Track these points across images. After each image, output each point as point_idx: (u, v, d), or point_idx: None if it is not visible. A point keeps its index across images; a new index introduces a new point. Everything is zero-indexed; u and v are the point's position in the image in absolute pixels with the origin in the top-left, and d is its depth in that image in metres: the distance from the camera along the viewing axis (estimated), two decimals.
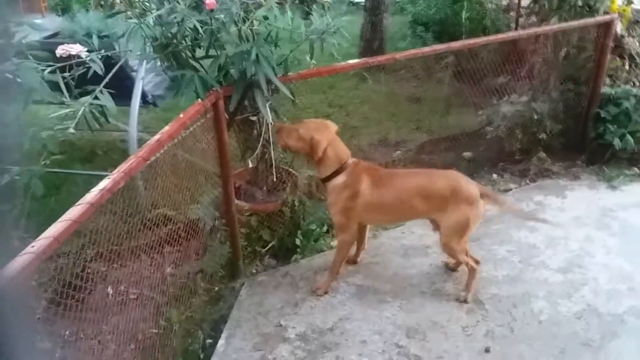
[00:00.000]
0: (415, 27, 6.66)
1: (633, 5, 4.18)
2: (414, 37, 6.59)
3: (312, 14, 3.90)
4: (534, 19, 4.47)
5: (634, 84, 4.25)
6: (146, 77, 3.73)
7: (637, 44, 4.44)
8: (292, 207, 3.14)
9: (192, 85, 2.47)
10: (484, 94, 4.32)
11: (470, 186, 2.77)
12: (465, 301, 2.83)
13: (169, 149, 2.32)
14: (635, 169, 4.00)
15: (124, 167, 1.79)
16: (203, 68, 2.66)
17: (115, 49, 2.80)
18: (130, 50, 2.50)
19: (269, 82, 2.59)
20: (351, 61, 3.11)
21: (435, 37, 6.31)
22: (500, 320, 2.72)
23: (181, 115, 2.29)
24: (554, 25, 3.86)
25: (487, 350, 2.56)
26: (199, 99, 2.46)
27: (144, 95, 3.76)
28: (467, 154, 4.36)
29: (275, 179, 3.07)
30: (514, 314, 2.76)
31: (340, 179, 2.75)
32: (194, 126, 2.51)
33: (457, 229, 2.73)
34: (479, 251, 3.22)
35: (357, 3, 7.24)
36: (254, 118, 2.83)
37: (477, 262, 2.88)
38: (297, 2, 4.14)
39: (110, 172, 1.82)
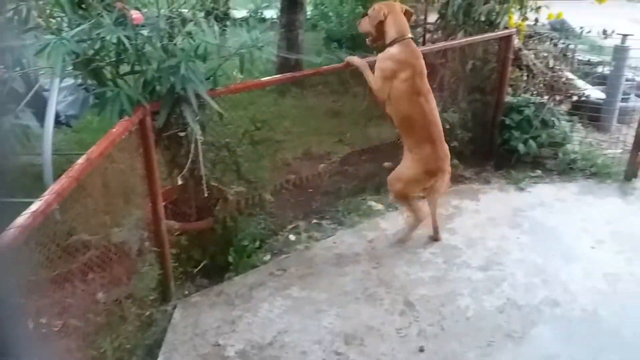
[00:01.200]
0: (329, 43, 6.85)
1: (527, 22, 4.62)
2: (329, 53, 6.76)
3: (226, 30, 3.93)
4: (440, 34, 4.77)
5: (532, 93, 4.67)
6: (58, 96, 3.53)
7: (532, 56, 4.90)
8: (224, 223, 3.11)
9: (118, 102, 2.39)
10: None
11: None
12: (402, 242, 3.43)
13: (94, 168, 2.22)
14: (538, 171, 4.38)
15: (55, 187, 1.70)
16: (128, 84, 2.58)
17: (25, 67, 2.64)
18: (47, 67, 2.37)
19: (197, 96, 2.56)
20: (277, 75, 3.15)
21: (348, 53, 6.51)
22: (431, 319, 2.86)
23: (112, 131, 2.21)
24: (460, 40, 4.15)
25: (421, 350, 2.67)
26: (126, 116, 2.38)
27: (56, 115, 3.55)
28: (387, 164, 4.52)
29: (205, 196, 3.02)
30: (443, 313, 2.90)
31: (393, 49, 3.09)
32: (120, 144, 2.42)
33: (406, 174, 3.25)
34: (405, 254, 3.38)
35: (272, 19, 7.32)
36: (183, 134, 2.78)
37: (421, 218, 3.41)
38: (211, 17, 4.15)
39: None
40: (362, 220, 3.76)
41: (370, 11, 3.18)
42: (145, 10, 2.43)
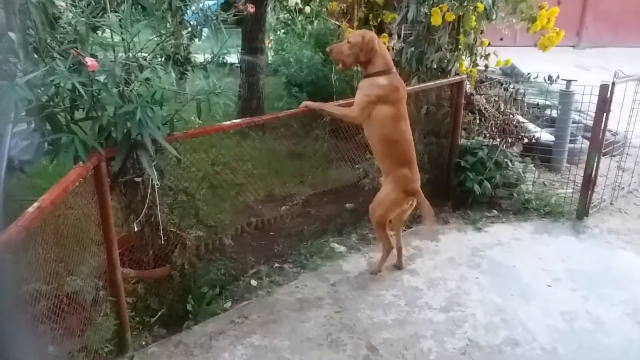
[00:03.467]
0: (290, 87, 6.95)
1: (477, 67, 4.83)
2: (290, 97, 6.87)
3: (187, 74, 3.96)
4: None
5: (485, 135, 4.84)
6: (11, 141, 3.43)
7: (484, 100, 5.11)
8: (182, 270, 3.03)
9: (72, 148, 2.34)
10: (359, 149, 4.62)
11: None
12: (377, 272, 3.57)
13: (47, 216, 2.14)
14: (494, 211, 4.49)
15: (3, 237, 1.63)
16: (83, 130, 2.53)
17: None
18: None
19: (154, 142, 2.54)
20: (236, 120, 3.17)
21: (309, 97, 6.63)
22: None
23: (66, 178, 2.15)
24: (415, 86, 4.29)
25: None
26: (81, 162, 2.33)
27: (10, 161, 3.45)
28: (349, 205, 4.58)
29: (162, 242, 2.95)
30: (406, 356, 2.88)
31: (382, 79, 3.24)
32: (74, 191, 2.36)
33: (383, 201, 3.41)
34: (368, 297, 3.36)
35: (233, 64, 7.42)
36: (139, 179, 2.73)
37: (391, 248, 3.57)
38: (171, 62, 4.16)
39: None
40: (324, 262, 3.75)
41: (353, 38, 3.26)
42: (101, 57, 2.41)
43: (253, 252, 3.81)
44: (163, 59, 3.90)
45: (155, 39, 3.78)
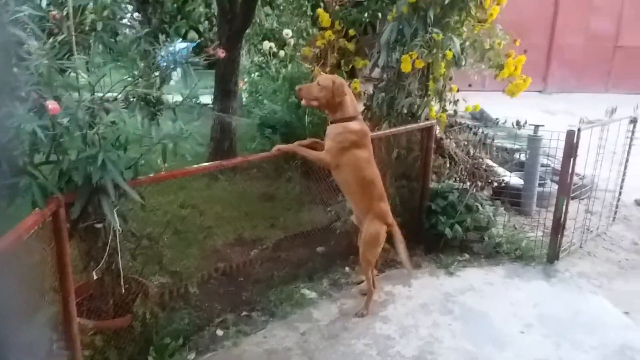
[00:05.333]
0: (263, 129, 6.96)
1: (447, 112, 4.91)
2: (263, 139, 6.86)
3: (158, 115, 3.90)
4: (367, 124, 4.96)
5: (455, 179, 4.88)
6: None
7: (454, 144, 5.18)
8: (143, 320, 2.89)
9: (30, 193, 2.24)
10: (331, 191, 4.59)
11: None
12: (363, 315, 3.57)
13: None
14: (466, 254, 4.48)
15: None
16: (42, 174, 2.44)
17: None
18: None
19: (116, 186, 2.46)
20: (205, 164, 3.12)
21: (282, 138, 6.63)
22: None
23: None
24: (386, 130, 4.33)
25: None
26: (37, 208, 2.23)
27: None
28: (320, 249, 4.51)
29: (123, 291, 2.82)
30: None
31: (355, 124, 3.32)
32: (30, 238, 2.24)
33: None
34: (339, 347, 3.26)
35: (207, 105, 7.42)
36: (99, 225, 2.63)
37: (375, 288, 3.67)
38: (142, 103, 4.11)
39: None
40: (294, 310, 3.64)
41: (323, 82, 3.31)
42: (65, 100, 2.35)
43: (220, 299, 3.67)
44: (135, 100, 3.87)
45: (128, 79, 3.76)
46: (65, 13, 2.57)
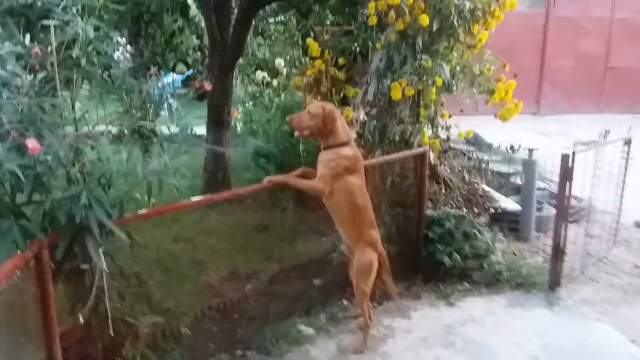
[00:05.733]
0: (258, 158, 6.91)
1: (440, 138, 4.88)
2: (257, 168, 6.80)
3: (150, 148, 3.85)
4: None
5: (451, 205, 4.81)
6: None
7: (448, 170, 5.13)
8: None
9: (11, 235, 2.16)
10: (326, 220, 4.50)
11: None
12: (361, 352, 3.42)
13: None
14: (466, 283, 4.36)
15: None
16: (25, 215, 2.36)
17: None
18: None
19: (102, 225, 2.38)
20: (194, 198, 3.04)
21: (277, 167, 6.58)
22: None
23: None
24: (379, 157, 4.27)
25: None
26: (19, 251, 2.15)
27: None
28: (316, 281, 4.40)
29: (112, 333, 2.70)
30: None
31: (347, 150, 3.26)
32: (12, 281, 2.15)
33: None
34: None
35: (201, 136, 7.39)
36: (86, 266, 2.53)
37: (371, 321, 3.56)
38: (136, 136, 4.05)
39: None
40: (291, 348, 3.50)
41: (313, 109, 3.26)
42: (46, 137, 2.28)
43: (214, 338, 3.54)
44: (128, 133, 3.82)
45: (120, 112, 3.72)
46: (49, 49, 2.53)
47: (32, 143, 2.08)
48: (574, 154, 4.12)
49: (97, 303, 2.67)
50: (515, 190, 5.56)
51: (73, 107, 2.54)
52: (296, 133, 3.40)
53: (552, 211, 5.30)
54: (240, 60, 9.77)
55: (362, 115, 4.78)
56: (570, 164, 4.10)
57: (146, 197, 2.60)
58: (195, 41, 8.88)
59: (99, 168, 2.43)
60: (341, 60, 5.28)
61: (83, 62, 2.75)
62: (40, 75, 2.35)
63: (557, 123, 11.44)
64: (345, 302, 4.11)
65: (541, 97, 13.16)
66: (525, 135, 7.57)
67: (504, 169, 5.90)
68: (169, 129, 3.21)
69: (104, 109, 2.89)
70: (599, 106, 13.23)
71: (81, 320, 2.65)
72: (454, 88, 4.59)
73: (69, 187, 2.29)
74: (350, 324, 3.82)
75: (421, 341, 3.59)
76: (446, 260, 4.28)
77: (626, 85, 13.12)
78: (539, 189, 5.55)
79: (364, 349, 3.46)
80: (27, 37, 2.57)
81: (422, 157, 4.33)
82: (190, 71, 10.58)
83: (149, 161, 2.63)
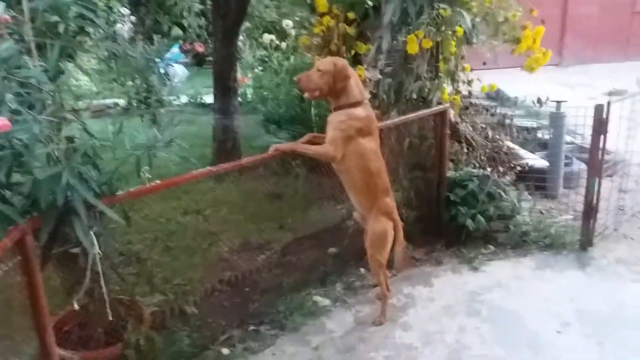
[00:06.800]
0: (268, 125, 6.67)
1: (461, 94, 4.55)
2: (268, 135, 6.56)
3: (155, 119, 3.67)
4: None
5: (474, 165, 4.52)
6: None
7: (470, 128, 4.81)
8: (137, 347, 2.62)
9: None
10: (341, 187, 4.27)
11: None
12: (380, 323, 3.25)
13: None
14: (491, 246, 4.12)
15: None
16: (5, 199, 2.17)
17: None
18: None
19: (90, 206, 2.19)
20: (194, 171, 2.82)
21: (288, 134, 6.33)
22: None
23: None
24: (395, 119, 3.99)
25: None
26: None
27: None
28: (332, 250, 4.21)
29: (110, 318, 2.54)
30: None
31: (359, 111, 2.98)
32: None
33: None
34: None
35: (209, 104, 7.15)
36: (76, 250, 2.35)
37: (389, 292, 3.38)
38: (143, 107, 3.86)
39: None
40: (306, 321, 3.34)
41: (323, 66, 2.95)
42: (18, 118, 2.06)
43: (225, 313, 3.38)
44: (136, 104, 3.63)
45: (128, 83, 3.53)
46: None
47: (1, 120, 1.87)
48: (609, 104, 3.77)
49: (93, 287, 2.51)
50: (542, 146, 5.22)
51: (51, 79, 2.30)
52: (305, 95, 3.11)
53: (582, 166, 4.98)
54: (248, 24, 9.40)
55: (376, 75, 4.46)
56: (604, 115, 3.76)
57: (137, 173, 2.39)
58: (198, 5, 8.50)
59: (82, 144, 2.22)
60: (351, 15, 4.92)
61: (61, 28, 2.51)
62: (6, 44, 2.11)
63: (582, 74, 10.91)
64: (362, 270, 3.93)
65: (564, 47, 12.52)
66: (550, 88, 7.14)
67: (528, 123, 5.55)
68: (178, 98, 3.01)
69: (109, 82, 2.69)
70: (626, 54, 12.58)
71: (75, 306, 2.48)
72: (475, 39, 4.23)
73: (48, 166, 2.08)
74: (369, 294, 3.64)
75: (444, 310, 3.39)
76: (469, 223, 4.03)
77: None
78: (566, 143, 5.21)
79: (383, 320, 3.28)
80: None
81: (442, 115, 4.03)
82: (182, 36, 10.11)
83: (154, 132, 2.39)
